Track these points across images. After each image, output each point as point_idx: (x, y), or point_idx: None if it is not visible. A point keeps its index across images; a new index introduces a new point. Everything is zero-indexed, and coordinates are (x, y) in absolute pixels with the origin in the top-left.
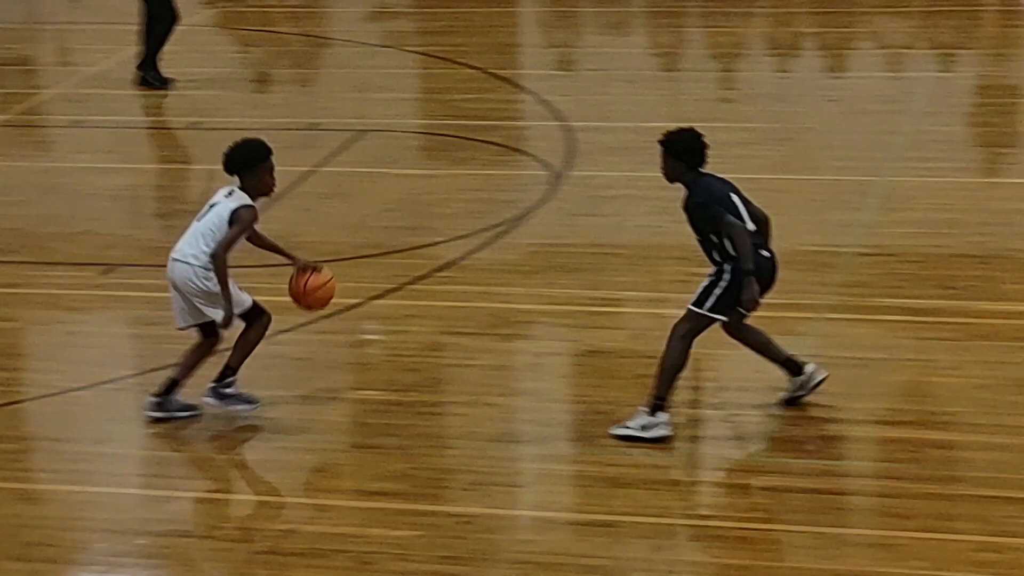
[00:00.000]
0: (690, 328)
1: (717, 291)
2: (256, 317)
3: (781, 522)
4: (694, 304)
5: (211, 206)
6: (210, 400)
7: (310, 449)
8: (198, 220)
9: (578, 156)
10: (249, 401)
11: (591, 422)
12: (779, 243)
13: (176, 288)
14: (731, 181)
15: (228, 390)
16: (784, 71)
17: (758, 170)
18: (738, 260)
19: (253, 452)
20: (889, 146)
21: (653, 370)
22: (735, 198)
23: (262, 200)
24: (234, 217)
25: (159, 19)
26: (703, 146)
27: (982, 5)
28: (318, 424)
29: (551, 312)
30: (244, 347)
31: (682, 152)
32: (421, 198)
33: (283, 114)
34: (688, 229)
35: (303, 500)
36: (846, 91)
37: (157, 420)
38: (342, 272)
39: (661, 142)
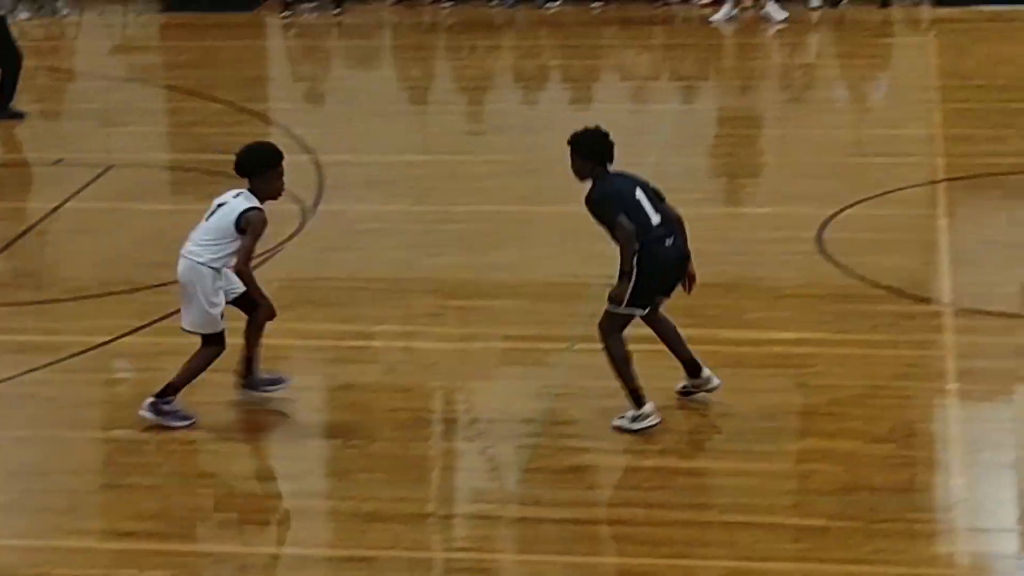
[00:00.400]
0: (611, 324)
1: (629, 287)
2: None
3: (535, 552)
4: (614, 305)
5: (219, 205)
6: (245, 394)
7: (59, 490)
8: (206, 219)
9: (328, 190)
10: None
11: (345, 457)
12: (530, 275)
13: (183, 285)
14: (640, 177)
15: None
16: (531, 103)
17: (508, 201)
18: (637, 252)
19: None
20: None
21: (406, 403)
22: (639, 194)
23: (269, 203)
24: (244, 220)
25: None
26: (609, 144)
27: (721, 38)
28: (67, 464)
29: (303, 347)
30: (251, 343)
31: (588, 151)
32: (171, 233)
33: (28, 149)
34: (438, 262)
35: (52, 543)
36: (592, 123)
37: (150, 423)
38: (91, 310)
39: (569, 142)
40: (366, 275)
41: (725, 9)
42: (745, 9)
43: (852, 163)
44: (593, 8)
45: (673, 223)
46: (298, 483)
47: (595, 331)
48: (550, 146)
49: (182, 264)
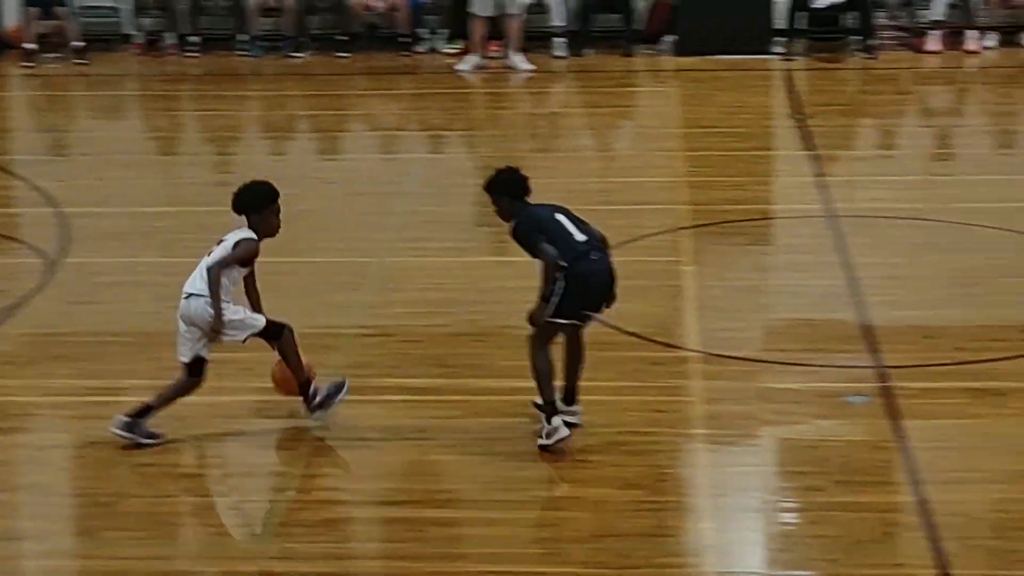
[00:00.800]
0: (539, 335)
1: (555, 299)
2: (276, 335)
3: None
4: (544, 316)
5: (219, 242)
6: (318, 414)
7: None
8: (207, 256)
9: (74, 243)
10: (337, 390)
11: (92, 515)
12: None
13: (190, 323)
14: (558, 204)
15: (318, 399)
16: (280, 154)
17: None
18: (565, 269)
19: None
20: (385, 227)
21: (156, 458)
22: (560, 217)
23: (266, 241)
24: (236, 245)
25: None
26: (522, 178)
27: (469, 87)
28: None
29: (50, 403)
30: (294, 364)
31: (503, 189)
32: None
33: None
34: None
35: None
36: (342, 173)
37: (124, 440)
38: None
39: (484, 188)
40: (114, 329)
41: (471, 58)
42: (491, 58)
43: (598, 211)
44: (340, 58)
45: (598, 241)
46: (45, 543)
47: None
48: (300, 197)
49: (188, 303)
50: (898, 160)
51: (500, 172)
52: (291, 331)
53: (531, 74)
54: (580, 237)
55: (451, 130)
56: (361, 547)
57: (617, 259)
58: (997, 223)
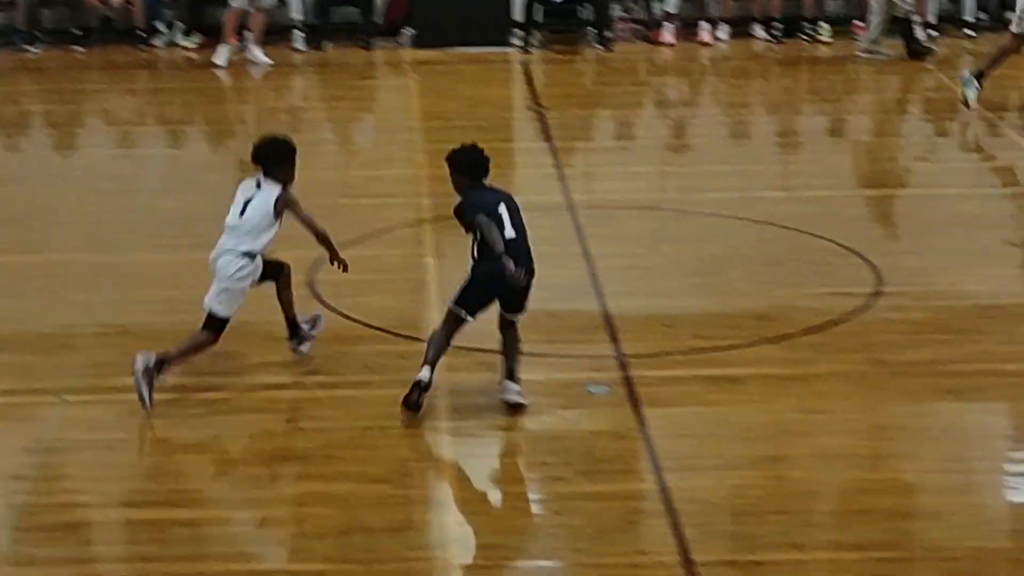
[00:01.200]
0: (445, 319)
1: (460, 287)
2: (276, 275)
3: None
4: (450, 299)
5: (247, 200)
6: (307, 347)
7: None
8: (240, 215)
9: None
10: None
11: None
12: (17, 327)
13: (227, 279)
14: (508, 194)
15: (312, 330)
16: (13, 150)
17: None
18: (476, 263)
19: None
20: (124, 224)
21: None
22: (502, 208)
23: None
24: (281, 203)
25: None
26: (483, 160)
27: (207, 82)
28: None
29: None
30: (287, 304)
31: (463, 166)
32: None
33: None
34: None
35: None
36: (77, 170)
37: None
38: None
39: (446, 159)
40: None
41: (225, 49)
42: (235, 52)
43: (339, 204)
44: (75, 52)
45: (525, 245)
46: None
47: (86, 381)
48: (32, 195)
49: (218, 260)
50: (635, 151)
51: (465, 149)
52: (288, 271)
53: (270, 68)
54: (510, 235)
55: (190, 125)
56: (102, 550)
57: (358, 253)
58: (731, 212)
